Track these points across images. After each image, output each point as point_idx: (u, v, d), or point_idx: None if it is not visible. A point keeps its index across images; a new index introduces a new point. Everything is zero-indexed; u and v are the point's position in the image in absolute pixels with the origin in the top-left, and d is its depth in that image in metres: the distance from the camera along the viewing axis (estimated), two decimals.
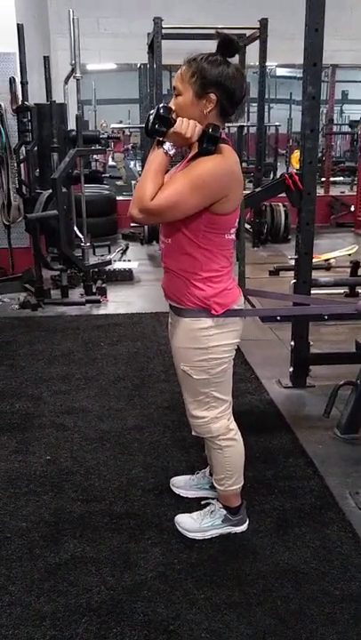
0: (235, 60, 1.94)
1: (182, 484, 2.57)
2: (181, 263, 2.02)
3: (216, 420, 2.17)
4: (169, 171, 2.00)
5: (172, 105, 1.91)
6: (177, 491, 2.56)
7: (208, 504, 2.39)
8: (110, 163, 11.42)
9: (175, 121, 1.86)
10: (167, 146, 1.89)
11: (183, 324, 2.08)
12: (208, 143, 1.84)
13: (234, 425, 2.24)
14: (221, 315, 2.03)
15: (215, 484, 2.32)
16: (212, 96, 1.87)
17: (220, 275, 2.03)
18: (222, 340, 2.07)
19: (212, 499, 2.39)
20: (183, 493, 2.54)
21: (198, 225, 1.93)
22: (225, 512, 2.33)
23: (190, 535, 2.31)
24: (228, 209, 1.93)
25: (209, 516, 2.34)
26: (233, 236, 2.04)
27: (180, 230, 1.96)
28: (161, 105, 1.88)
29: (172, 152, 1.90)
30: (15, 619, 1.94)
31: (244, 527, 2.35)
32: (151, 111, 1.90)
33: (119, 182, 10.35)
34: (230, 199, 1.91)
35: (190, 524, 2.34)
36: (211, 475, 2.43)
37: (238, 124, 8.16)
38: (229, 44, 1.89)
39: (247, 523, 2.36)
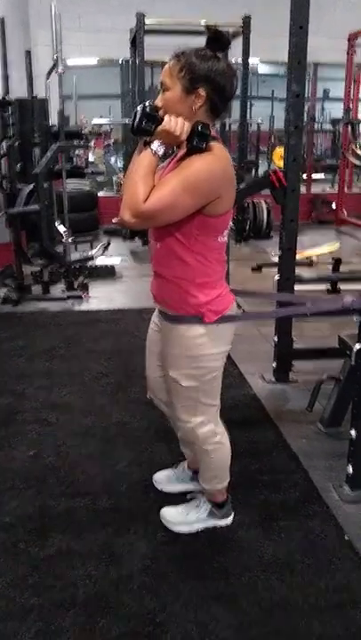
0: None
1: (164, 480, 2.57)
2: (173, 269, 1.94)
3: (202, 424, 2.13)
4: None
5: (159, 101, 1.85)
6: (159, 487, 2.56)
7: (194, 498, 2.40)
8: (91, 159, 11.35)
9: (163, 119, 1.78)
10: (155, 145, 1.80)
11: (174, 330, 2.02)
12: (198, 141, 1.76)
13: (221, 429, 2.21)
14: (214, 322, 1.97)
15: (201, 482, 2.32)
16: (202, 92, 1.80)
17: (214, 280, 1.97)
18: (213, 349, 2.01)
19: (197, 492, 2.40)
20: (166, 489, 2.54)
21: (190, 228, 1.86)
22: (210, 506, 2.34)
23: (176, 528, 2.32)
24: (220, 210, 1.86)
25: (194, 509, 2.35)
26: (225, 239, 1.97)
27: (172, 234, 1.88)
28: (147, 102, 1.81)
29: (160, 152, 1.82)
30: (0, 613, 1.93)
31: (229, 520, 2.36)
32: (137, 108, 1.81)
33: (99, 178, 10.31)
34: (223, 200, 1.84)
35: (176, 516, 2.35)
36: (190, 468, 2.44)
37: (220, 121, 8.18)
38: (219, 38, 1.83)
39: (232, 516, 2.37)
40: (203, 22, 6.90)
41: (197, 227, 1.86)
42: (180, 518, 2.33)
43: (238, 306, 2.10)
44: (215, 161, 1.80)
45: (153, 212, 1.77)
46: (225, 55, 1.90)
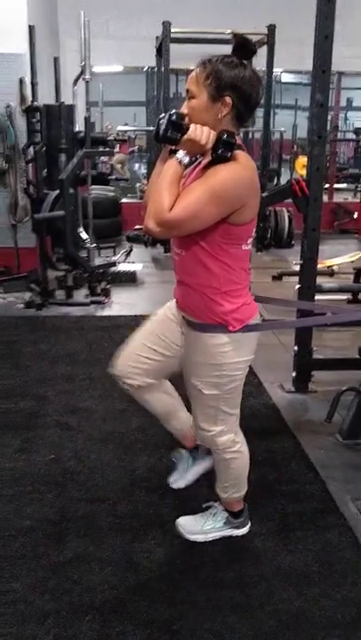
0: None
1: (177, 476, 2.57)
2: (198, 277, 1.95)
3: (222, 433, 2.14)
4: None
5: (184, 108, 1.85)
6: (176, 485, 2.55)
7: (210, 507, 2.41)
8: (116, 166, 11.45)
9: (188, 127, 1.78)
10: (180, 154, 1.81)
11: (198, 338, 2.03)
12: (224, 150, 1.76)
13: (240, 437, 2.22)
14: (239, 330, 1.97)
15: (218, 491, 2.32)
16: (228, 99, 1.80)
17: (239, 288, 1.97)
18: (237, 357, 2.01)
19: (215, 501, 2.41)
20: (183, 483, 2.53)
21: (214, 236, 1.86)
22: (227, 514, 2.34)
23: (192, 537, 2.33)
24: (245, 219, 1.86)
25: (211, 518, 2.35)
26: (249, 247, 1.97)
27: (196, 242, 1.89)
28: (173, 111, 1.81)
29: (185, 161, 1.83)
30: (19, 616, 1.96)
31: (245, 530, 2.37)
32: (161, 116, 1.83)
33: (122, 184, 10.39)
34: (248, 208, 1.84)
35: (192, 526, 2.35)
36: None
37: (244, 129, 8.20)
38: (246, 46, 1.84)
39: (249, 525, 2.38)
40: (228, 31, 6.95)
41: (222, 235, 1.86)
42: (196, 528, 2.34)
43: (260, 314, 2.11)
44: (241, 170, 1.80)
45: (178, 222, 1.78)
46: (250, 64, 1.92)
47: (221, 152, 1.76)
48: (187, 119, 1.82)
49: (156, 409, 2.41)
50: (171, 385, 2.40)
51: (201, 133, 1.77)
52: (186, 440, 2.52)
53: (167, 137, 1.79)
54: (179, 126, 1.78)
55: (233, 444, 2.18)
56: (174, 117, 1.78)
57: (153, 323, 2.28)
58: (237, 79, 1.80)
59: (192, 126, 1.79)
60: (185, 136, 1.79)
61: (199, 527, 2.34)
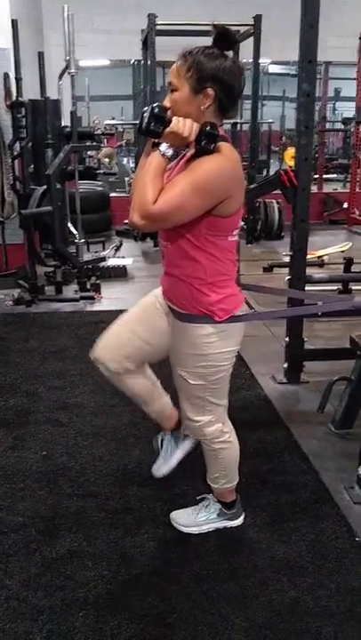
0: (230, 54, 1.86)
1: (160, 462, 2.46)
2: (185, 268, 1.94)
3: (210, 423, 2.15)
4: None
5: (167, 101, 1.84)
6: (160, 472, 2.44)
7: (203, 499, 2.40)
8: (104, 160, 11.40)
9: (171, 120, 1.78)
10: (164, 147, 1.80)
11: (184, 329, 2.03)
12: (207, 142, 1.76)
13: (228, 427, 2.22)
14: (224, 321, 1.97)
15: (209, 482, 2.32)
16: (210, 91, 1.79)
17: (225, 279, 1.97)
18: (222, 348, 2.01)
19: (208, 493, 2.40)
20: (166, 469, 2.43)
21: (200, 228, 1.86)
22: (220, 506, 2.34)
23: (186, 530, 2.33)
24: (230, 211, 1.86)
25: (204, 510, 2.35)
26: (236, 238, 1.97)
27: (182, 235, 1.89)
28: (155, 104, 1.80)
29: (169, 153, 1.82)
30: (12, 613, 1.95)
31: (239, 521, 2.37)
32: (145, 109, 1.81)
33: (111, 178, 10.34)
34: (232, 200, 1.84)
35: (185, 518, 2.35)
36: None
37: (232, 121, 8.18)
38: (226, 36, 1.82)
39: (243, 516, 2.38)
40: (214, 23, 6.92)
41: (207, 227, 1.86)
42: (189, 520, 2.34)
43: (249, 306, 2.10)
44: (224, 162, 1.80)
45: (162, 214, 1.78)
46: (236, 55, 1.90)
47: (204, 144, 1.77)
48: (169, 112, 1.81)
49: (137, 392, 2.34)
50: (150, 370, 2.35)
51: (183, 126, 1.77)
52: (168, 421, 2.43)
53: (150, 130, 1.79)
54: (161, 119, 1.78)
55: (221, 434, 2.18)
56: (156, 110, 1.78)
57: (138, 309, 2.26)
58: (219, 70, 1.79)
59: (174, 119, 1.78)
60: (167, 129, 1.78)
61: (193, 519, 2.34)
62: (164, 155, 1.81)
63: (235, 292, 2.02)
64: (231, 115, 1.92)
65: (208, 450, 2.23)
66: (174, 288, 2.02)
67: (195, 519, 2.33)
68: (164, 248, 2.01)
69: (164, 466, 2.47)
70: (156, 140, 1.82)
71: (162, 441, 2.48)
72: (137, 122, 1.94)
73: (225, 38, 1.83)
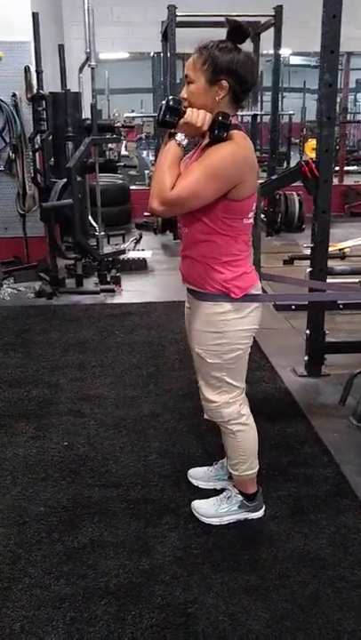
0: (247, 46, 1.96)
1: (200, 476, 2.57)
2: (201, 249, 2.03)
3: (227, 405, 2.19)
4: (182, 160, 2.02)
5: (184, 93, 1.95)
6: (195, 482, 2.56)
7: (225, 490, 2.41)
8: (123, 152, 11.39)
9: (185, 111, 1.89)
10: (179, 137, 1.92)
11: (201, 307, 2.11)
12: (219, 130, 1.86)
13: (246, 410, 2.25)
14: (240, 299, 2.04)
15: (230, 470, 2.34)
16: (224, 83, 1.90)
17: (239, 259, 2.05)
18: (239, 326, 2.08)
19: (230, 485, 2.41)
20: (202, 485, 2.54)
21: (216, 212, 1.95)
22: (241, 498, 2.35)
23: (207, 520, 2.33)
24: (243, 194, 1.94)
25: (226, 501, 2.36)
26: (251, 221, 2.05)
27: (199, 219, 1.98)
28: (171, 97, 1.92)
29: (184, 142, 1.93)
30: (35, 600, 1.98)
31: (260, 513, 2.37)
32: (162, 102, 1.93)
33: (132, 172, 10.35)
34: (245, 185, 1.93)
35: (207, 509, 2.36)
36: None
37: (252, 113, 8.12)
38: (238, 31, 1.91)
39: (263, 509, 2.38)
40: (233, 14, 6.86)
41: (223, 210, 1.96)
42: (211, 511, 2.35)
43: (263, 291, 2.13)
44: (237, 148, 1.90)
45: (179, 199, 1.89)
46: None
47: (217, 132, 1.87)
48: (186, 103, 1.92)
49: None
50: None
51: (197, 116, 1.88)
52: None
53: (166, 121, 1.91)
54: (176, 111, 1.89)
55: (239, 416, 2.22)
56: (171, 103, 1.89)
57: (186, 323, 2.33)
58: (232, 63, 1.89)
59: (188, 110, 1.89)
60: (182, 120, 1.89)
61: (214, 510, 2.35)
62: (179, 144, 1.93)
63: (248, 271, 2.10)
64: (245, 105, 2.03)
65: (227, 433, 2.26)
66: (191, 269, 2.11)
67: (216, 510, 2.34)
68: (183, 233, 2.11)
69: (201, 481, 2.55)
70: (173, 131, 1.93)
71: (217, 465, 2.56)
72: (156, 114, 2.01)
73: (238, 32, 1.92)
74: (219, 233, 1.99)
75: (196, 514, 2.36)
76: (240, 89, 1.93)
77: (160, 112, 1.91)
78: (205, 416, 2.32)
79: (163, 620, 1.89)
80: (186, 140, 1.93)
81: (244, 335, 2.11)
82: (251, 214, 2.04)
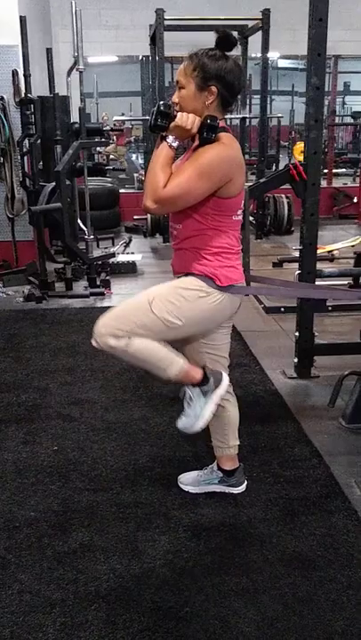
0: (235, 49, 2.09)
1: (190, 481, 2.57)
2: (193, 242, 2.13)
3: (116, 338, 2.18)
4: (175, 162, 2.11)
5: (175, 97, 2.07)
6: (185, 488, 2.55)
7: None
8: (111, 156, 11.39)
9: (176, 115, 2.00)
10: (170, 139, 2.03)
11: (183, 278, 2.16)
12: (208, 133, 1.98)
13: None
14: (225, 288, 2.11)
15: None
16: (213, 88, 2.02)
17: (230, 252, 2.15)
18: (203, 305, 2.11)
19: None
20: (192, 490, 2.54)
21: (206, 209, 2.07)
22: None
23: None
24: (232, 192, 2.06)
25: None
26: (240, 217, 2.16)
27: (190, 215, 2.09)
28: (161, 102, 2.05)
29: (175, 144, 2.04)
30: (25, 606, 1.96)
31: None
32: (154, 108, 2.04)
33: (122, 175, 10.35)
34: (234, 183, 2.05)
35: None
36: (219, 469, 2.50)
37: (240, 116, 8.14)
38: (226, 40, 2.04)
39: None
40: (222, 17, 6.89)
41: (212, 207, 2.07)
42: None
43: (258, 300, 2.15)
44: (225, 148, 2.03)
45: (172, 197, 2.01)
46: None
47: (206, 135, 1.99)
48: (177, 107, 2.05)
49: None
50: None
51: (186, 120, 1.99)
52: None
53: (157, 125, 2.03)
54: (167, 115, 2.01)
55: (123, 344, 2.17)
56: (162, 107, 2.02)
57: None
58: (221, 70, 2.02)
59: (178, 114, 2.01)
60: (172, 123, 2.01)
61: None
62: (170, 146, 2.04)
63: (237, 267, 2.18)
64: (233, 109, 2.15)
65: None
66: (182, 260, 2.19)
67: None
68: (175, 230, 2.19)
69: (190, 486, 2.54)
70: (164, 134, 2.05)
71: (207, 469, 2.57)
72: (146, 118, 2.12)
73: (226, 41, 2.05)
74: (210, 228, 2.10)
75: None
76: (228, 94, 2.06)
77: (152, 116, 2.02)
78: (94, 344, 2.27)
79: (154, 624, 1.89)
80: (177, 142, 2.04)
81: (199, 315, 2.13)
82: (239, 211, 2.16)
